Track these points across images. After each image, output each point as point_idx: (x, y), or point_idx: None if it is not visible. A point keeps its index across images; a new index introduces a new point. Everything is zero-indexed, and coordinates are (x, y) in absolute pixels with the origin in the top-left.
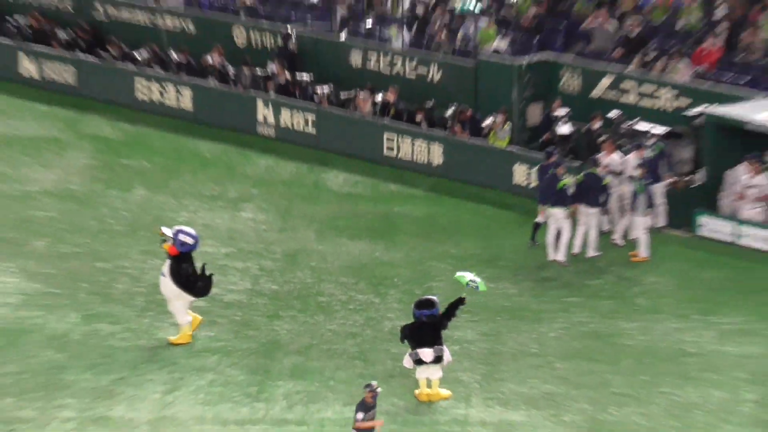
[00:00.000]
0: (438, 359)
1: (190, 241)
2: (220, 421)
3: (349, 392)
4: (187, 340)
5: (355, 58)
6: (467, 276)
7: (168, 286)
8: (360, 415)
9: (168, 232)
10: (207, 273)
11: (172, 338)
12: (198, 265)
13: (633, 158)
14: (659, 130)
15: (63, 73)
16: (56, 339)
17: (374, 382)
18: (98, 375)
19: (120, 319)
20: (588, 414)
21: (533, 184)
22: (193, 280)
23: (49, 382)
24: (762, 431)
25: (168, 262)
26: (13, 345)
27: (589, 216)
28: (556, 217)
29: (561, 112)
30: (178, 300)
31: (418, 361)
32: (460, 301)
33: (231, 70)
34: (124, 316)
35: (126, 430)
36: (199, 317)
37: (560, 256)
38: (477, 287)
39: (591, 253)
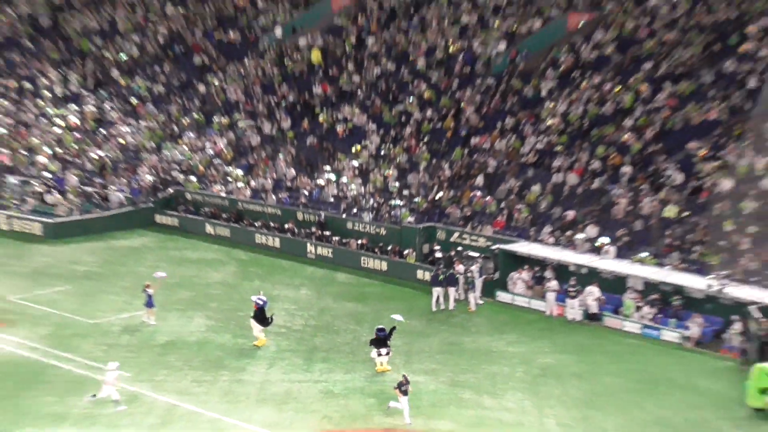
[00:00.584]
0: (387, 353)
1: (261, 302)
2: (289, 380)
3: (347, 368)
4: (263, 344)
5: (349, 225)
6: (397, 317)
7: (254, 323)
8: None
9: (254, 298)
10: (271, 317)
11: (256, 342)
12: (268, 314)
13: (474, 267)
14: (479, 255)
15: (224, 231)
16: (220, 346)
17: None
18: (238, 359)
19: (241, 335)
20: (450, 377)
21: (428, 278)
22: (265, 319)
23: (213, 365)
24: (528, 386)
25: (253, 312)
26: (202, 349)
27: (451, 291)
28: (436, 291)
29: (437, 247)
30: (258, 328)
31: (378, 354)
32: (393, 329)
33: (296, 230)
34: (245, 335)
35: (245, 387)
36: (264, 339)
37: (435, 307)
38: (401, 320)
39: (451, 307)
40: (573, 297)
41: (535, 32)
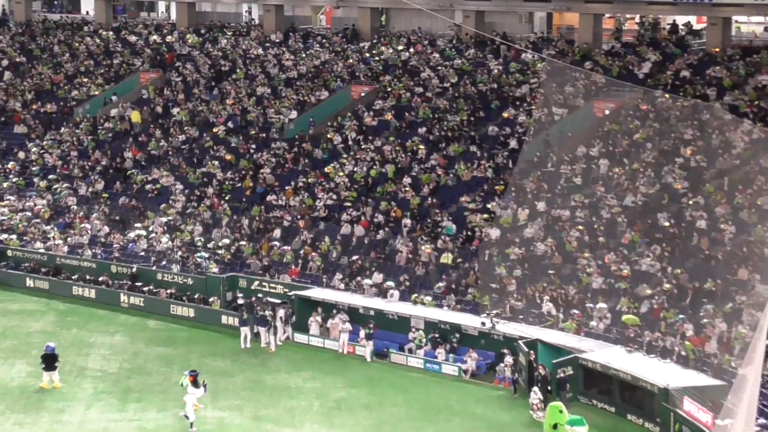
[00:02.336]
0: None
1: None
2: (106, 419)
3: (160, 407)
4: (47, 387)
5: (159, 276)
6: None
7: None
8: None
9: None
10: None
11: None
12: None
13: (281, 312)
14: (278, 301)
15: (43, 284)
16: (40, 390)
17: None
18: (57, 401)
19: (60, 380)
20: (253, 412)
21: (231, 322)
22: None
23: (33, 407)
24: (323, 418)
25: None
26: (23, 393)
27: (261, 330)
28: (244, 330)
29: (239, 294)
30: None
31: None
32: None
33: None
34: (63, 379)
35: (65, 428)
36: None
37: (244, 345)
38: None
39: (270, 346)
40: (369, 338)
41: (323, 101)
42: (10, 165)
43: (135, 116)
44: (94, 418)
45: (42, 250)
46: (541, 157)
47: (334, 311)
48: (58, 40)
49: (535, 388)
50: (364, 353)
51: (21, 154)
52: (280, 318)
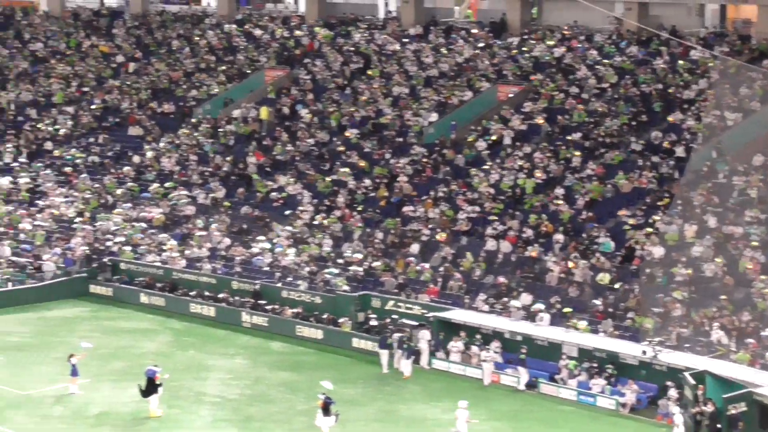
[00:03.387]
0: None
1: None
2: None
3: None
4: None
5: (284, 293)
6: (327, 385)
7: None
8: None
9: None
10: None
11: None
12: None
13: (422, 334)
14: (415, 323)
15: (158, 301)
16: (154, 417)
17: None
18: (172, 430)
19: (176, 405)
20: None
21: (363, 345)
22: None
23: None
24: None
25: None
26: (135, 419)
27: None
28: (383, 353)
29: (372, 315)
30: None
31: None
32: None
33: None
34: (179, 405)
35: None
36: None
37: (387, 369)
38: (330, 388)
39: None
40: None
41: (466, 103)
42: (125, 170)
43: (264, 113)
44: None
45: (158, 264)
46: (711, 167)
47: (484, 343)
48: (176, 34)
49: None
50: (512, 382)
51: (136, 159)
52: (427, 341)
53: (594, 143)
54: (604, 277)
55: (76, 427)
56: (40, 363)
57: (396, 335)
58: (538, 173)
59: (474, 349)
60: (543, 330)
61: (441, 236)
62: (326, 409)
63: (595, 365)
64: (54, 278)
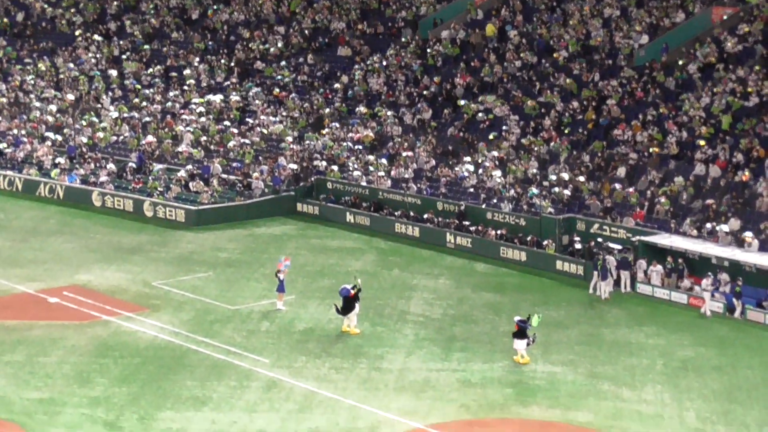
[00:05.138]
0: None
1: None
2: (427, 369)
3: (486, 358)
4: (354, 333)
5: (489, 215)
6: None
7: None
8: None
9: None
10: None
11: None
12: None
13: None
14: (619, 246)
15: (364, 220)
16: (358, 334)
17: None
18: (376, 347)
19: (380, 323)
20: (588, 368)
21: (566, 268)
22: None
23: (351, 352)
24: (667, 379)
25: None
26: (340, 336)
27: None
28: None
29: (576, 239)
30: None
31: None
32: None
33: (436, 220)
34: (383, 323)
35: (383, 375)
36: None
37: (592, 290)
38: (535, 322)
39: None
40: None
41: (679, 25)
42: (333, 90)
43: (490, 29)
44: (415, 367)
45: (364, 184)
46: None
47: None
48: None
49: None
50: (718, 309)
51: (344, 79)
52: (615, 265)
53: None
54: None
55: (281, 342)
56: (248, 279)
57: (601, 257)
58: (752, 97)
59: (705, 282)
60: (752, 256)
61: (649, 160)
62: (521, 333)
63: None
64: (262, 196)
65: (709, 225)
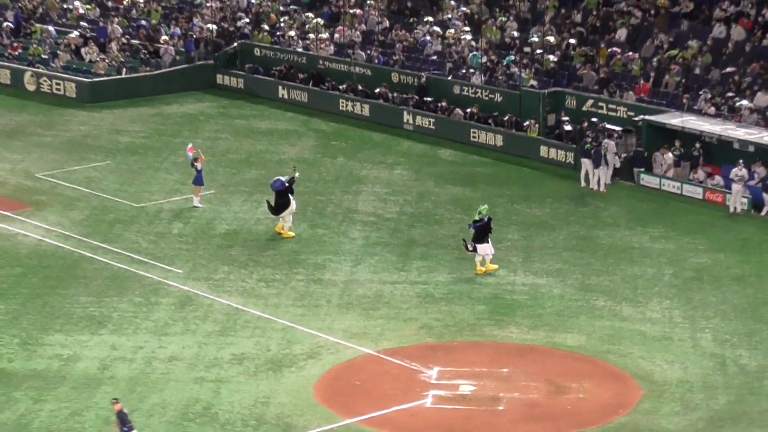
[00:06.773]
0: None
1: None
2: (380, 281)
3: (452, 267)
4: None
5: (456, 89)
6: (484, 207)
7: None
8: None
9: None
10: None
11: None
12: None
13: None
14: (618, 128)
15: (300, 96)
16: (294, 238)
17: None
18: (316, 254)
19: (321, 225)
20: (580, 280)
21: (552, 155)
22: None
23: (285, 260)
24: (677, 292)
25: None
26: (272, 241)
27: (596, 171)
28: (585, 163)
29: (565, 118)
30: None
31: (475, 249)
32: (490, 221)
33: (390, 95)
34: (325, 224)
35: (325, 289)
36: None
37: (585, 183)
38: (481, 211)
39: (601, 189)
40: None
41: None
42: None
43: None
44: (365, 279)
45: (300, 50)
46: None
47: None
48: None
49: None
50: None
51: None
52: (614, 152)
53: None
54: None
55: (198, 248)
56: (157, 169)
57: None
58: None
59: (734, 171)
60: None
61: (656, 20)
62: (482, 234)
63: None
64: (173, 65)
65: (730, 100)
